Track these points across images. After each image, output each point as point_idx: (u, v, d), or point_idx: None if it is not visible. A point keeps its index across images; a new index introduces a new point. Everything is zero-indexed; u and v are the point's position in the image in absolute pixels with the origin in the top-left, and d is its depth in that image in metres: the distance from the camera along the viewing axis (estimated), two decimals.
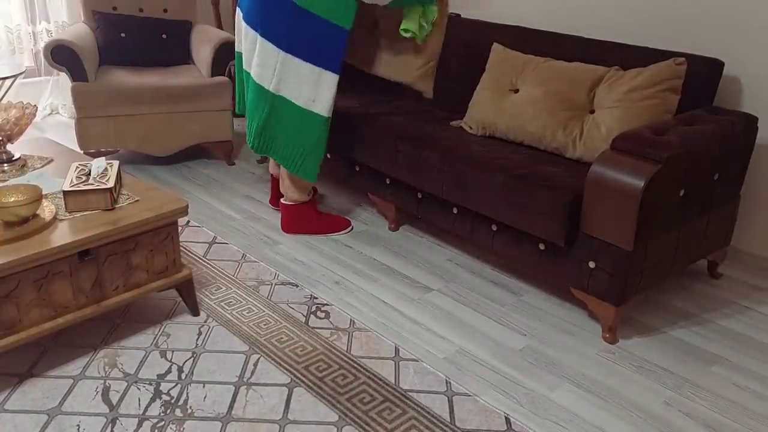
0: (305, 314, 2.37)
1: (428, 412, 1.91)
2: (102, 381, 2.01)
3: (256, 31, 2.64)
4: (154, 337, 2.21)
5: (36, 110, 2.50)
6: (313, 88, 2.65)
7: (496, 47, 2.90)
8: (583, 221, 2.20)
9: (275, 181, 3.15)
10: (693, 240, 2.38)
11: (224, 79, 3.58)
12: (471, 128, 2.83)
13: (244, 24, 2.71)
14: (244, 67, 2.79)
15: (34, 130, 4.23)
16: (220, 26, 4.54)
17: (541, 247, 2.35)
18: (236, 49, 2.90)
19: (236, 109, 3.05)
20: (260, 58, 2.64)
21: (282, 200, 2.96)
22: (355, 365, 2.10)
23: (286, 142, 2.74)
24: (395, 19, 2.83)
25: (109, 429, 1.82)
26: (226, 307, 2.40)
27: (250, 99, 2.75)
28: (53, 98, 4.66)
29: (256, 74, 2.68)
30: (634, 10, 2.95)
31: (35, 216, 2.01)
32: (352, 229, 3.03)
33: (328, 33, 2.62)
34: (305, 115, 2.68)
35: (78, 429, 1.82)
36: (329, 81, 2.65)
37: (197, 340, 2.21)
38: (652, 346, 2.25)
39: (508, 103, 2.71)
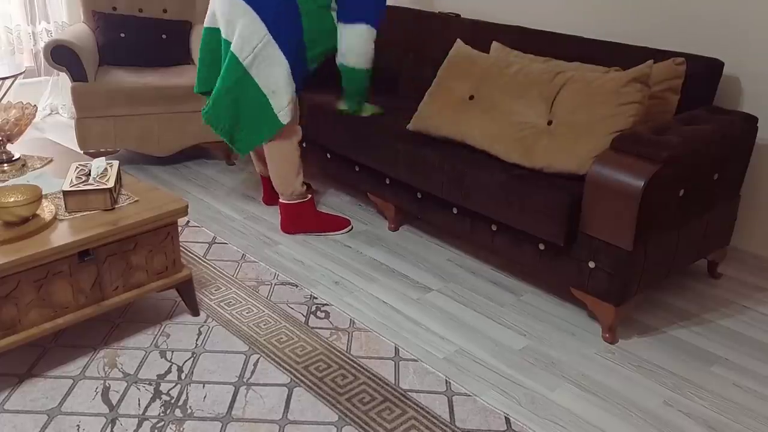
0: (305, 314, 2.37)
1: (428, 412, 1.91)
2: (102, 381, 2.01)
3: (248, 3, 2.57)
4: (154, 337, 2.21)
5: (36, 110, 2.50)
6: (278, 81, 2.63)
7: (495, 46, 2.90)
8: (582, 221, 2.20)
9: (266, 180, 3.19)
10: (693, 240, 2.38)
11: None
12: None
13: None
14: (223, 37, 2.70)
15: (34, 130, 4.24)
16: None
17: (541, 247, 2.35)
18: (206, 25, 2.79)
19: (195, 88, 2.91)
20: (245, 30, 2.59)
21: (281, 200, 2.95)
22: (355, 365, 2.10)
23: (234, 116, 2.71)
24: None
25: (108, 429, 1.82)
26: (226, 307, 2.40)
27: (225, 67, 2.69)
28: (53, 98, 4.66)
29: (236, 45, 2.63)
30: (633, 10, 2.95)
31: (35, 216, 2.01)
32: (351, 228, 3.03)
33: (301, 47, 2.65)
34: (262, 101, 2.66)
35: (78, 429, 1.82)
36: (292, 87, 2.66)
37: (197, 340, 2.21)
38: (652, 346, 2.25)
39: None
